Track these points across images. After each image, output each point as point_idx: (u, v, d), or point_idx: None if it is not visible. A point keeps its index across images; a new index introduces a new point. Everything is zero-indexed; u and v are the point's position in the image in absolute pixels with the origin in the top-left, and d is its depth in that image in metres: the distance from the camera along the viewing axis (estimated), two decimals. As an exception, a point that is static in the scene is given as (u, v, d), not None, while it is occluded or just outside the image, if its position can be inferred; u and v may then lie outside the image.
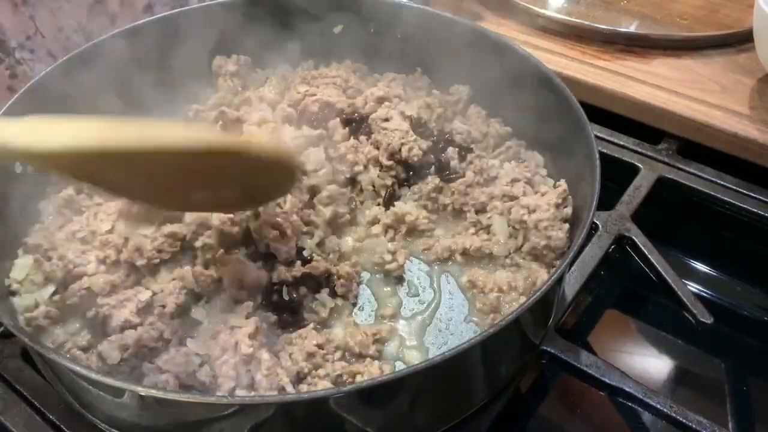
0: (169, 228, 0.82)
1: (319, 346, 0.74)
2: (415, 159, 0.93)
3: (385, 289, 0.87)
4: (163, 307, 0.78)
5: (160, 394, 0.63)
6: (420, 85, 1.11)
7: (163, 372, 0.69)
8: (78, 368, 0.62)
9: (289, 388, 0.70)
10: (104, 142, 0.59)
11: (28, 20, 1.11)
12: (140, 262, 0.81)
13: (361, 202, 0.95)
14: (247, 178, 0.71)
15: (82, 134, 0.59)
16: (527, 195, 0.90)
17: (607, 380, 0.79)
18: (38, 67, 1.14)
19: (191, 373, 0.69)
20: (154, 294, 0.79)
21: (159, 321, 0.76)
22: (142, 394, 0.61)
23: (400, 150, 0.93)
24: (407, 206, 0.92)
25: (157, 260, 0.81)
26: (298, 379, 0.72)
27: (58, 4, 1.13)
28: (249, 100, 1.07)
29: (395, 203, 0.93)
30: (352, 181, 0.95)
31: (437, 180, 0.94)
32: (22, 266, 0.83)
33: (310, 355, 0.73)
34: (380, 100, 1.02)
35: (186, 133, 0.63)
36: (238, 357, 0.70)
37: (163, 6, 1.29)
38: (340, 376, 0.73)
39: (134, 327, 0.75)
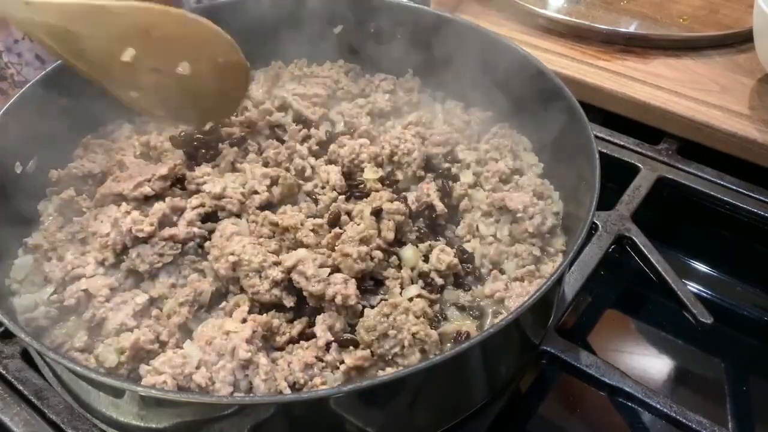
0: (168, 231, 0.82)
1: (319, 359, 0.73)
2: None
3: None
4: (160, 309, 0.78)
5: (160, 394, 0.63)
6: (411, 86, 1.11)
7: (160, 374, 0.69)
8: (79, 368, 0.62)
9: (287, 392, 0.70)
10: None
11: (15, 24, 1.10)
12: (143, 267, 0.80)
13: None
14: (202, 53, 0.89)
15: None
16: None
17: (607, 380, 0.79)
18: (26, 71, 1.13)
19: (188, 375, 0.69)
20: (153, 299, 0.79)
21: (156, 323, 0.76)
22: (142, 394, 0.61)
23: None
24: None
25: (159, 264, 0.81)
26: (295, 388, 0.72)
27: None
28: None
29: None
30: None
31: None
32: (22, 266, 0.83)
33: (308, 366, 0.72)
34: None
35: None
36: (236, 362, 0.69)
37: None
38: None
39: (130, 330, 0.75)
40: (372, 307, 0.77)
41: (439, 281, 0.82)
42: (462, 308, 0.82)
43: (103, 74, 0.86)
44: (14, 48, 1.12)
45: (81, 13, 0.81)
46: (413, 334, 0.73)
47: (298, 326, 0.77)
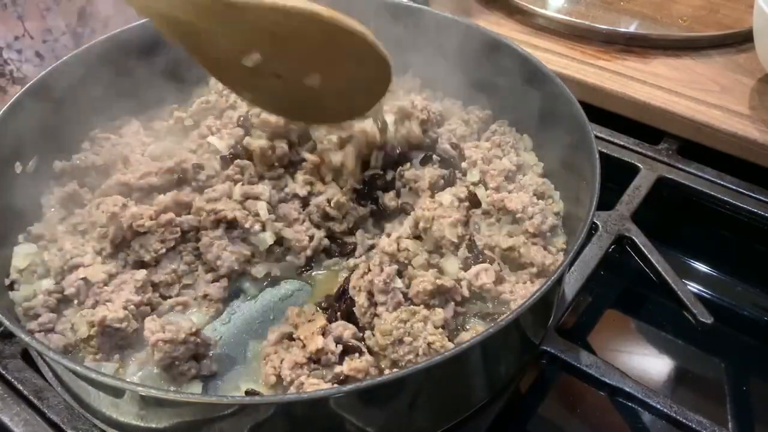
0: (164, 217, 0.83)
1: (311, 359, 0.73)
2: None
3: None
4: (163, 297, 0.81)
5: (160, 394, 0.63)
6: (411, 86, 1.11)
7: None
8: (79, 368, 0.62)
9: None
10: None
11: (16, 21, 1.10)
12: (147, 257, 0.82)
13: None
14: (340, 64, 0.78)
15: None
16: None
17: (607, 380, 0.79)
18: (25, 68, 1.13)
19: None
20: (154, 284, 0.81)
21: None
22: (143, 394, 0.61)
23: None
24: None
25: (163, 250, 0.82)
26: (283, 387, 0.72)
27: (46, 5, 1.12)
28: (235, 106, 1.06)
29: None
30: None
31: None
32: (24, 255, 0.83)
33: (298, 365, 0.72)
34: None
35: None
36: None
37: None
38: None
39: (136, 305, 0.78)
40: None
41: (465, 293, 0.80)
42: (484, 317, 0.81)
43: (220, 72, 0.80)
44: (14, 45, 1.12)
45: (211, 9, 0.71)
46: (429, 344, 0.73)
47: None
